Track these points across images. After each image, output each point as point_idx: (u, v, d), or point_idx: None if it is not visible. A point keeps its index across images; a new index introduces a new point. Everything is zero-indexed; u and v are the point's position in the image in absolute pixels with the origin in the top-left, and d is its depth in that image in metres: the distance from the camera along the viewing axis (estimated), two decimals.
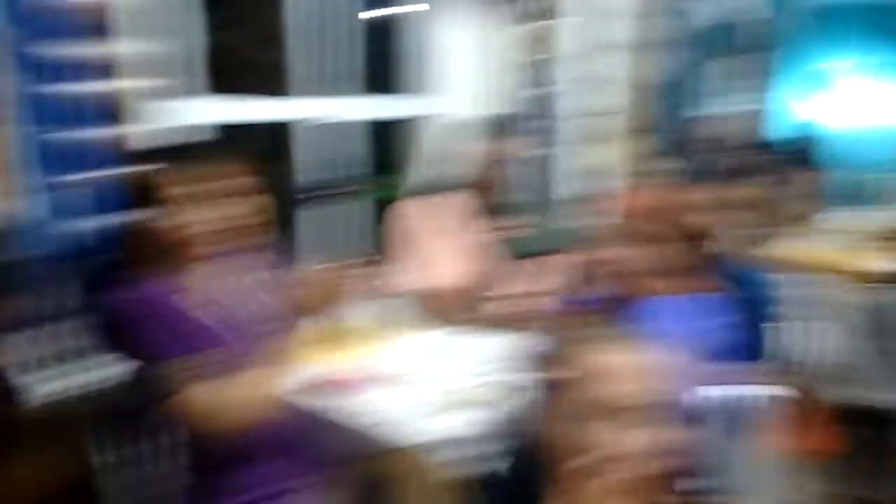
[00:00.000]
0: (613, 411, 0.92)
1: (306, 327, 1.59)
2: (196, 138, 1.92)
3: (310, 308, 1.58)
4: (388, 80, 2.96)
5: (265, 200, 1.55)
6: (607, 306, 1.66)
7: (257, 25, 2.47)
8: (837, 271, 2.53)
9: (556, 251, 2.16)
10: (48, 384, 1.63)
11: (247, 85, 2.37)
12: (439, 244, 2.34)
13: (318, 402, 1.63)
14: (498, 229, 2.37)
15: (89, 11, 1.76)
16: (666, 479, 0.96)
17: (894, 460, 2.26)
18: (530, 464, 1.01)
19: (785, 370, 1.65)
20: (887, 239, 2.77)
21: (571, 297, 1.79)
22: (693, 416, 1.20)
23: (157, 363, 1.34)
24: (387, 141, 3.01)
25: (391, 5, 2.92)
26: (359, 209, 2.94)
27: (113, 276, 1.50)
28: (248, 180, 1.50)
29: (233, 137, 2.20)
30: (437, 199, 2.43)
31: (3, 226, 1.56)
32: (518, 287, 2.19)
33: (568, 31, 3.11)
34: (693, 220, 1.66)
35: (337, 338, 1.95)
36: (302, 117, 2.61)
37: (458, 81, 2.98)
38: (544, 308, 1.93)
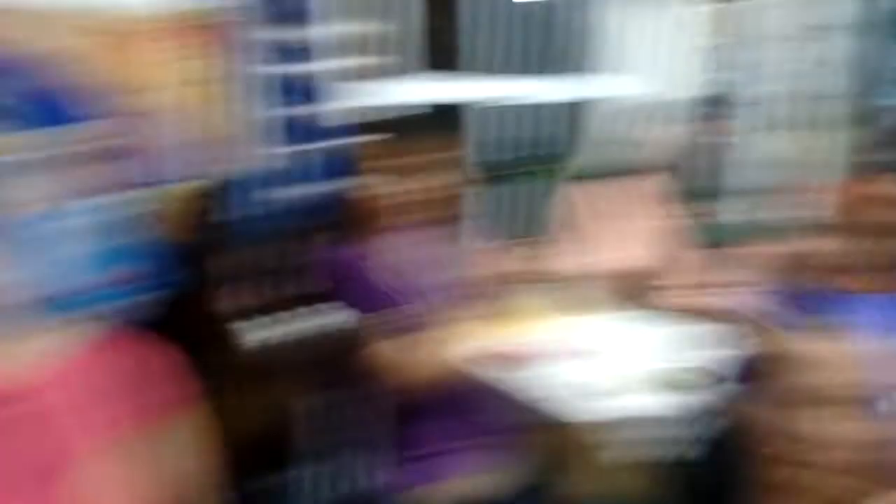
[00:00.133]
0: (821, 400, 0.88)
1: (481, 302, 1.65)
2: (403, 114, 2.03)
3: (485, 284, 1.64)
4: (563, 61, 2.94)
5: (459, 177, 1.62)
6: (809, 300, 1.57)
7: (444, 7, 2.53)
8: None
9: (741, 242, 2.06)
10: (261, 332, 1.82)
11: (445, 64, 2.46)
12: (611, 228, 2.31)
13: (488, 373, 1.69)
14: (678, 216, 2.29)
15: None
16: (871, 470, 0.91)
17: None
18: (726, 450, 1.00)
19: None
20: None
21: (771, 289, 1.71)
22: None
23: (353, 318, 1.48)
24: (560, 123, 2.99)
25: None
26: (530, 191, 2.95)
27: (319, 238, 1.65)
28: (446, 156, 1.57)
29: (435, 115, 2.30)
30: (612, 183, 2.39)
31: (223, 187, 1.74)
32: (701, 276, 2.11)
33: (776, 11, 2.91)
34: None
35: (508, 314, 1.99)
36: (480, 98, 2.65)
37: (639, 62, 2.89)
38: (733, 299, 1.85)
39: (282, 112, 1.85)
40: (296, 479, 1.59)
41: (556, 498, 1.48)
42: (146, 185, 1.56)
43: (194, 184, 1.61)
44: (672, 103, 2.52)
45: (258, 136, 1.81)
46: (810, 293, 1.60)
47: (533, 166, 2.91)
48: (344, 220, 1.66)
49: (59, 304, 1.27)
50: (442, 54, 2.44)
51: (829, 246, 1.58)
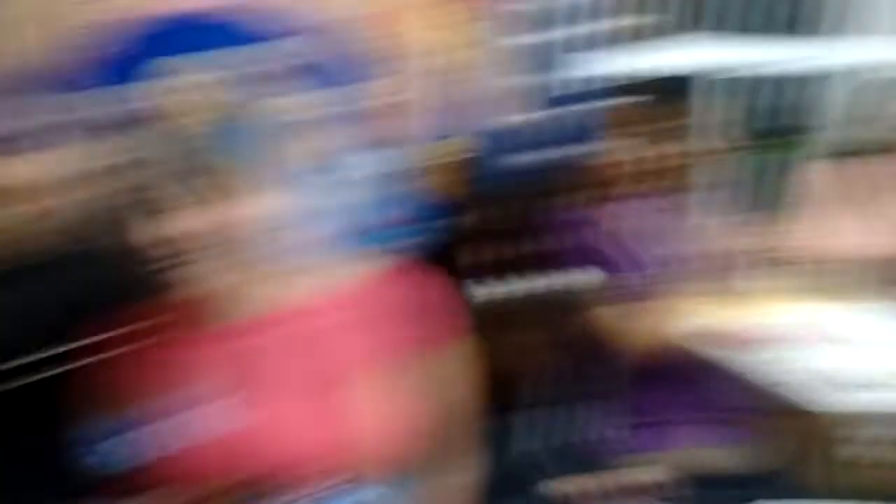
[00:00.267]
0: None
1: (710, 278, 1.61)
2: (644, 80, 2.01)
3: (716, 260, 1.59)
4: (811, 23, 2.70)
5: (693, 145, 1.58)
6: None
7: None
8: None
9: None
10: (495, 287, 1.91)
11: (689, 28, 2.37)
12: (858, 210, 2.13)
13: (713, 352, 1.65)
14: None
15: None
16: None
17: None
18: None
19: None
20: None
21: None
22: None
23: (581, 281, 1.51)
24: (805, 92, 2.77)
25: None
26: (763, 166, 2.78)
27: (555, 201, 1.68)
28: (680, 123, 1.54)
29: (674, 81, 2.25)
30: (860, 161, 2.20)
31: (478, 148, 1.84)
32: None
33: None
34: None
35: (740, 293, 1.91)
36: (726, 64, 2.52)
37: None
38: None
39: (533, 78, 1.91)
40: (517, 427, 1.67)
41: (793, 486, 1.42)
42: (417, 141, 1.69)
43: (455, 142, 1.71)
44: None
45: (512, 100, 1.89)
46: None
47: (774, 139, 2.75)
48: (580, 184, 1.69)
49: (344, 241, 1.43)
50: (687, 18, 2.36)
51: None
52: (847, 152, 2.26)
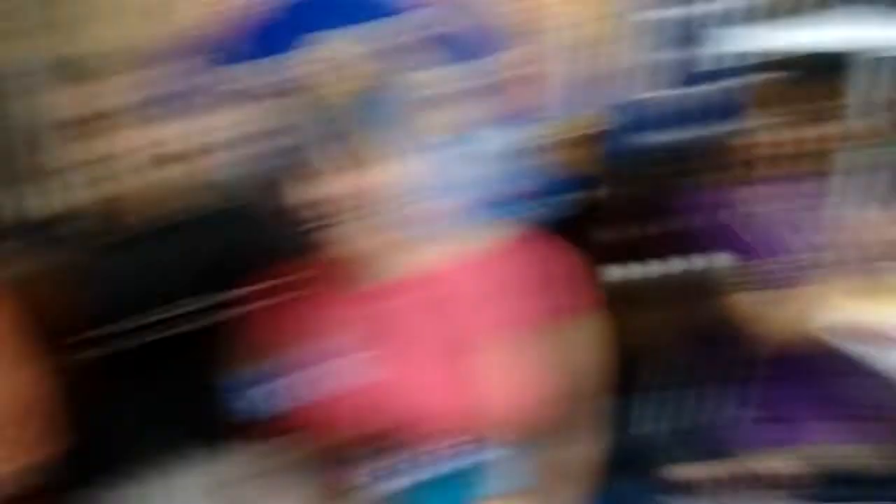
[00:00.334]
0: None
1: (854, 270, 1.51)
2: (790, 58, 1.92)
3: (862, 251, 1.50)
4: None
5: (844, 129, 1.49)
6: None
7: None
8: None
9: None
10: (623, 267, 1.88)
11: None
12: None
13: (852, 347, 1.56)
14: None
15: None
16: None
17: None
18: None
19: None
20: None
21: None
22: None
23: (715, 264, 1.47)
24: None
25: None
26: None
27: (689, 182, 1.63)
28: (828, 105, 1.46)
29: (822, 60, 2.12)
30: None
31: (609, 125, 1.81)
32: None
33: None
34: None
35: (881, 287, 1.79)
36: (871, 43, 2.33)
37: None
38: None
39: (673, 53, 1.86)
40: (643, 408, 1.66)
41: None
42: (550, 114, 1.68)
43: (588, 117, 1.70)
44: None
45: (650, 75, 1.84)
46: None
47: None
48: (719, 164, 1.63)
49: (475, 211, 1.46)
50: None
51: None
52: None
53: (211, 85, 1.49)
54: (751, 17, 1.91)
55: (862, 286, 1.56)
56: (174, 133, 1.22)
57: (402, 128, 1.14)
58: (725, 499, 1.51)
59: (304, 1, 1.62)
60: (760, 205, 1.53)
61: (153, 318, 1.16)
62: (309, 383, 1.08)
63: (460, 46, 1.59)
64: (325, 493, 1.12)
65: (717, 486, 1.48)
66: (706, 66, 1.86)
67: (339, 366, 1.08)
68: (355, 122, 1.08)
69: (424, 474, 1.06)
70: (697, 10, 1.88)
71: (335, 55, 1.53)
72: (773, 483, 1.47)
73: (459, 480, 1.07)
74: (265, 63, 1.54)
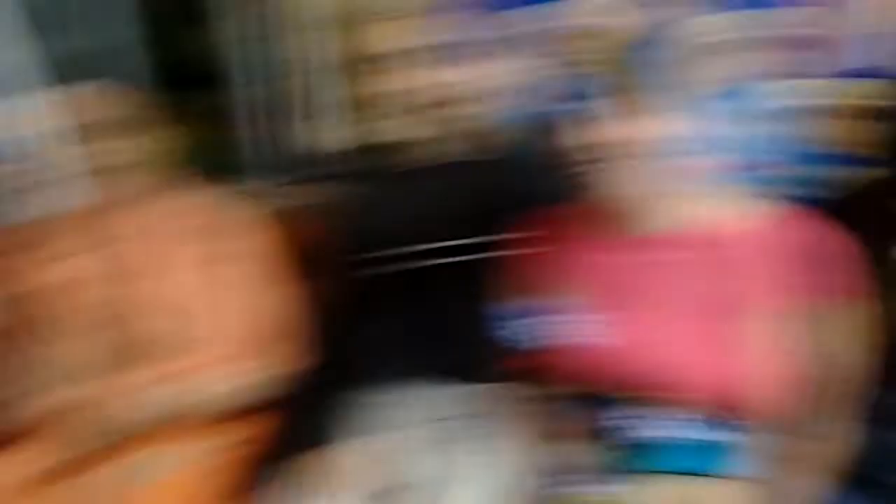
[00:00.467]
0: None
1: None
2: None
3: None
4: None
5: None
6: None
7: None
8: None
9: None
10: None
11: None
12: None
13: None
14: None
15: None
16: None
17: None
18: None
19: None
20: None
21: None
22: None
23: None
24: None
25: None
26: None
27: None
28: None
29: None
30: None
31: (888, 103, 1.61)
32: None
33: None
34: None
35: None
36: None
37: None
38: None
39: None
40: None
41: None
42: (828, 76, 1.54)
43: (877, 84, 1.53)
44: None
45: None
46: None
47: None
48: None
49: (748, 175, 1.38)
50: None
51: None
52: None
53: (488, 32, 1.53)
54: None
55: None
56: (453, 77, 1.27)
57: (676, 77, 1.10)
58: None
59: None
60: None
61: (419, 250, 1.24)
62: (565, 326, 1.10)
63: None
64: (555, 434, 1.15)
65: None
66: None
67: (596, 314, 1.09)
68: (630, 69, 1.07)
69: (662, 434, 1.04)
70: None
71: (607, 4, 1.50)
72: None
73: (696, 450, 1.04)
74: (539, 10, 1.55)
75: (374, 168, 1.33)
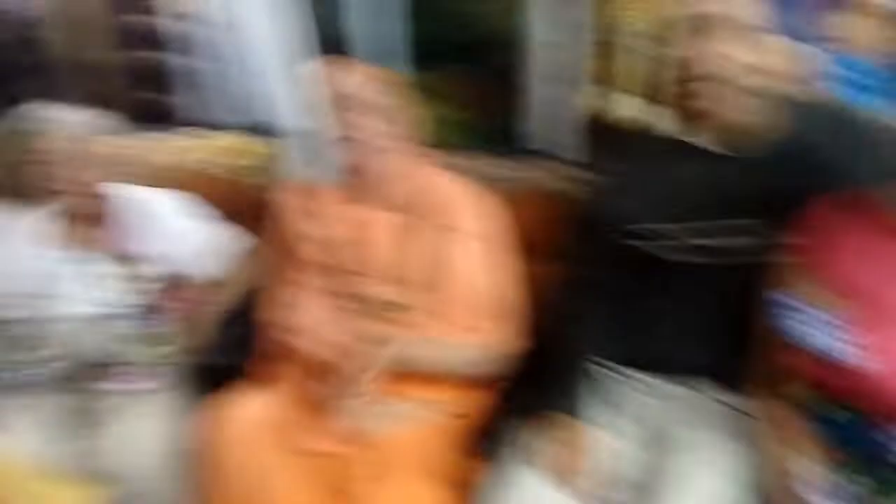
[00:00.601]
0: None
1: None
2: None
3: None
4: None
5: None
6: None
7: None
8: None
9: None
10: None
11: None
12: None
13: None
14: None
15: None
16: None
17: None
18: None
19: None
20: None
21: None
22: None
23: None
24: None
25: None
26: None
27: None
28: None
29: None
30: None
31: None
32: None
33: None
34: None
35: None
36: None
37: None
38: None
39: None
40: None
41: None
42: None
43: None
44: None
45: None
46: None
47: None
48: None
49: None
50: None
51: None
52: None
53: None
54: None
55: None
56: (773, 50, 1.18)
57: None
58: None
59: None
60: None
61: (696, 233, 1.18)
62: (836, 337, 1.00)
63: None
64: (791, 444, 1.08)
65: None
66: None
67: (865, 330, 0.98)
68: None
69: None
70: None
71: None
72: None
73: None
74: None
75: (667, 142, 1.26)
